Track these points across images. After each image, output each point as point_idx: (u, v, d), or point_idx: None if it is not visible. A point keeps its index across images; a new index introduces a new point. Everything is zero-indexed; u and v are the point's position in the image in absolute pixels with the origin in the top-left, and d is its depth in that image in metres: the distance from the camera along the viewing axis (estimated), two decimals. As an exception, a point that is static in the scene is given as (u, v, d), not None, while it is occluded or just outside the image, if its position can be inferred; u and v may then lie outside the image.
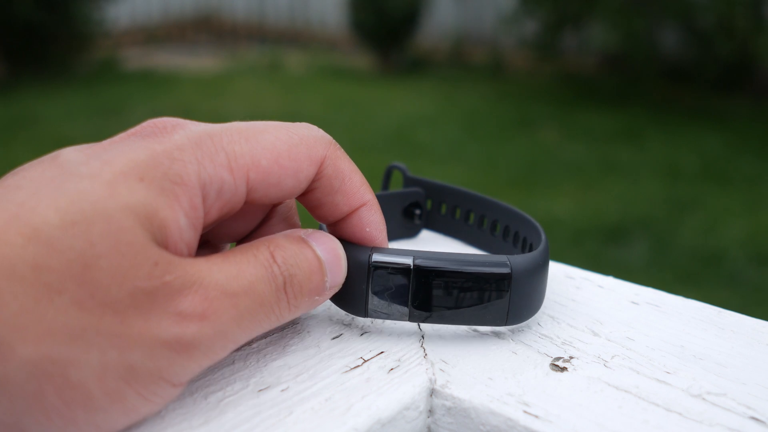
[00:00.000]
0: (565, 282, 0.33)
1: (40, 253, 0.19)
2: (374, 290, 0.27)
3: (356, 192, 0.27)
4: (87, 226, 0.19)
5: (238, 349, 0.27)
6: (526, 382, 0.25)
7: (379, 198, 0.36)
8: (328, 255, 0.26)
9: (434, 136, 3.06)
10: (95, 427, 0.20)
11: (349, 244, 0.27)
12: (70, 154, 0.22)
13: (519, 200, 2.26)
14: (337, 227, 0.28)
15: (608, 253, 2.00)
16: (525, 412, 0.23)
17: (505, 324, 0.28)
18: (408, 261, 0.27)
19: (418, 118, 3.36)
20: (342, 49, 5.02)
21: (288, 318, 0.24)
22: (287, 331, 0.28)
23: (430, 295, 0.27)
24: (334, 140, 0.27)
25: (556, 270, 0.34)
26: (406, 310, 0.27)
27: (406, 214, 0.38)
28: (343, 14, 4.78)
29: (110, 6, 4.49)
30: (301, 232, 0.26)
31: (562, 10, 3.86)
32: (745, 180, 2.58)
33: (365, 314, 0.27)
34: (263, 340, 0.27)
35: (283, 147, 0.24)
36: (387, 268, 0.27)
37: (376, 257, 0.27)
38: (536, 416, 0.23)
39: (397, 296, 0.27)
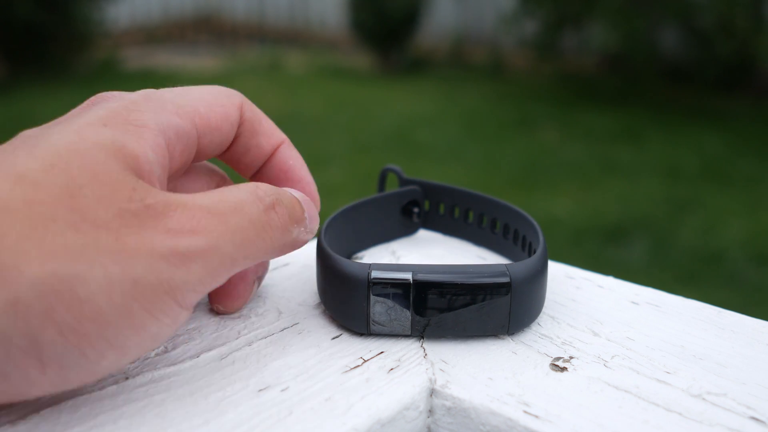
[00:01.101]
0: (565, 282, 0.33)
1: (28, 191, 0.20)
2: (375, 306, 0.27)
3: (274, 131, 0.30)
4: (65, 165, 0.21)
5: (238, 349, 0.27)
6: (526, 382, 0.25)
7: (377, 199, 0.36)
8: (301, 196, 0.27)
9: (434, 136, 3.06)
10: (107, 343, 0.20)
11: (346, 260, 0.28)
12: (29, 131, 0.24)
13: (519, 200, 2.26)
14: (262, 172, 0.30)
15: (608, 253, 2.00)
16: (525, 412, 0.23)
17: (507, 332, 0.28)
18: (407, 276, 0.27)
19: (417, 118, 3.36)
20: (342, 49, 5.02)
21: (282, 241, 0.25)
22: (287, 331, 0.28)
23: (431, 309, 0.27)
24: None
25: (556, 270, 0.34)
26: (408, 324, 0.27)
27: (404, 213, 0.38)
28: (343, 14, 4.78)
29: (110, 6, 4.49)
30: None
31: (562, 10, 3.86)
32: (745, 180, 2.58)
33: (368, 331, 0.28)
34: (263, 341, 0.27)
35: (210, 97, 0.27)
36: (386, 283, 0.27)
37: (376, 273, 0.27)
38: (536, 416, 0.23)
39: (398, 311, 0.27)
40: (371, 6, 4.35)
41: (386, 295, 0.27)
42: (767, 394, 0.24)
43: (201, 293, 0.22)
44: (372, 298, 0.27)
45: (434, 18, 4.76)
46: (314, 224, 0.28)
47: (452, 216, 0.38)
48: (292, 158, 0.31)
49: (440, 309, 0.27)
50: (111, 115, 0.23)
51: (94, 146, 0.22)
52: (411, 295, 0.27)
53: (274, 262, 0.35)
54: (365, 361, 0.26)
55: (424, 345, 0.28)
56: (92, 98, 0.26)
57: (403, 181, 0.38)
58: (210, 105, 0.27)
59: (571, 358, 0.27)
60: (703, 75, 3.57)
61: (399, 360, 0.26)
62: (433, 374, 0.26)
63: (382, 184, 0.39)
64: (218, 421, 0.22)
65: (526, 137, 3.07)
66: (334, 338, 0.28)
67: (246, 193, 0.24)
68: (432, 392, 0.25)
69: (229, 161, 0.30)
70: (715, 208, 2.31)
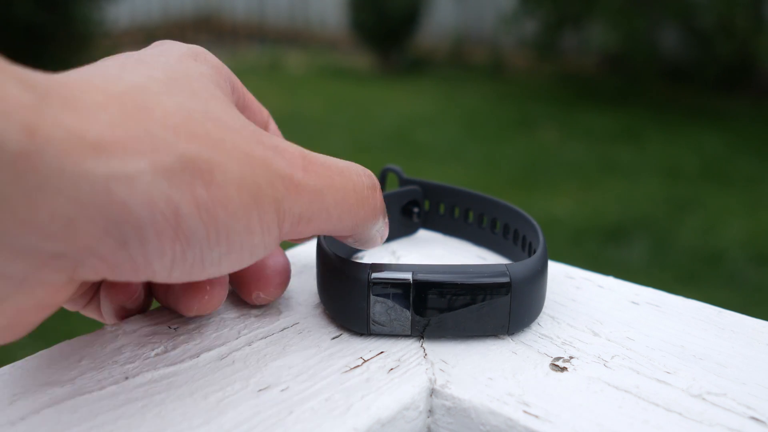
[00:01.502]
0: (565, 282, 0.33)
1: (161, 86, 0.22)
2: (375, 306, 0.27)
3: (260, 106, 0.31)
4: (186, 83, 0.23)
5: (237, 349, 0.27)
6: (526, 382, 0.25)
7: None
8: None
9: (434, 136, 3.06)
10: (225, 234, 0.22)
11: (347, 261, 0.28)
12: (118, 55, 0.25)
13: (519, 200, 2.26)
14: None
15: (608, 253, 2.00)
16: (525, 412, 0.23)
17: (507, 333, 0.28)
18: (407, 276, 0.27)
19: (418, 118, 3.36)
20: (342, 49, 5.02)
21: (370, 226, 0.27)
22: (287, 330, 0.28)
23: (431, 309, 0.27)
24: None
25: (556, 270, 0.34)
26: (408, 324, 0.27)
27: (404, 213, 0.38)
28: (343, 14, 4.78)
29: (110, 6, 4.49)
30: None
31: (562, 10, 3.86)
32: (745, 180, 2.58)
33: (368, 331, 0.28)
34: (263, 341, 0.27)
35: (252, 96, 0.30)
36: (386, 284, 0.27)
37: (376, 274, 0.27)
38: (536, 416, 0.23)
39: (398, 311, 0.27)
40: (371, 6, 4.35)
41: (386, 296, 0.27)
42: (767, 394, 0.24)
43: (294, 229, 0.24)
44: (372, 298, 0.27)
45: (434, 18, 4.76)
46: (386, 219, 0.29)
47: (452, 216, 0.38)
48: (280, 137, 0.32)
49: (440, 309, 0.27)
50: (193, 53, 0.25)
51: (200, 75, 0.24)
52: (411, 295, 0.27)
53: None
54: (365, 361, 0.26)
55: (424, 345, 0.28)
56: (156, 43, 0.27)
57: (403, 181, 0.38)
58: (251, 96, 0.29)
59: (571, 358, 0.27)
60: (703, 75, 3.57)
61: (399, 360, 0.26)
62: (433, 374, 0.26)
63: (382, 184, 0.39)
64: (218, 421, 0.22)
65: (526, 137, 3.07)
66: (334, 338, 0.28)
67: (354, 165, 0.26)
68: (432, 392, 0.25)
69: None
70: (715, 208, 2.31)
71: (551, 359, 0.27)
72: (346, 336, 0.28)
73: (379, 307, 0.27)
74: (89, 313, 0.28)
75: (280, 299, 0.31)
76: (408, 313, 0.27)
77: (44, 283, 0.20)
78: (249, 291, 0.29)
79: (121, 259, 0.20)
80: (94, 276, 0.21)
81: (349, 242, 0.28)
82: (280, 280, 0.29)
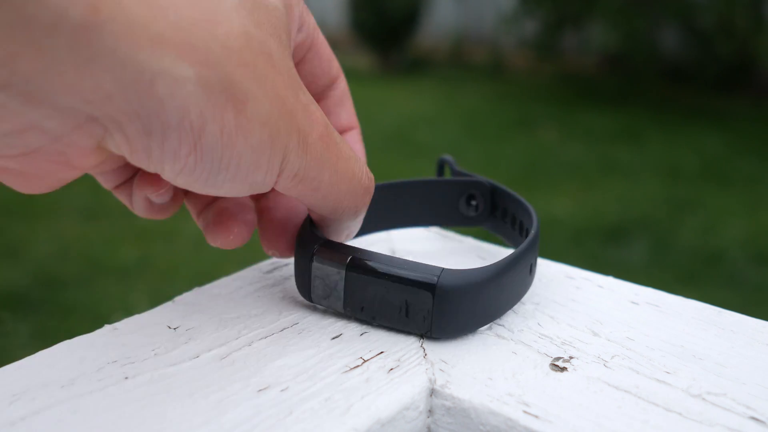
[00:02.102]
0: (565, 282, 0.33)
1: (234, 8, 0.22)
2: (315, 280, 0.28)
3: (353, 115, 0.33)
4: (257, 12, 0.23)
5: (237, 349, 0.27)
6: (526, 382, 0.25)
7: (440, 183, 0.37)
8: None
9: (434, 136, 3.06)
10: (236, 162, 0.23)
11: (309, 231, 0.29)
12: None
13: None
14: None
15: (608, 253, 2.00)
16: (525, 412, 0.23)
17: (431, 335, 0.27)
18: (345, 257, 0.28)
19: (418, 118, 3.36)
20: (342, 49, 5.01)
21: (354, 223, 0.29)
22: (287, 330, 0.28)
23: (361, 293, 0.28)
24: None
25: (556, 270, 0.34)
26: (341, 303, 0.28)
27: (467, 203, 0.38)
28: (343, 14, 4.78)
29: None
30: None
31: (562, 10, 3.86)
32: (745, 180, 2.57)
33: (311, 299, 0.29)
34: (263, 341, 0.27)
35: (329, 48, 0.31)
36: (324, 260, 0.28)
37: (320, 251, 0.28)
38: (536, 416, 0.23)
39: (333, 289, 0.28)
40: (371, 6, 4.35)
41: (324, 272, 0.28)
42: (767, 394, 0.24)
43: (286, 183, 0.25)
44: (313, 271, 0.28)
45: (434, 18, 4.76)
46: (354, 232, 0.31)
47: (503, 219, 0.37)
48: (356, 148, 0.33)
49: (368, 296, 0.27)
50: None
51: (275, 10, 0.24)
52: (344, 276, 0.28)
53: (274, 262, 0.35)
54: (365, 361, 0.26)
55: (424, 345, 0.28)
56: None
57: (455, 173, 0.39)
58: (326, 42, 0.30)
59: (571, 358, 0.27)
60: (703, 75, 3.57)
61: (399, 360, 0.26)
62: (433, 374, 0.26)
63: (440, 173, 0.39)
64: (218, 421, 0.22)
65: (526, 137, 3.07)
66: (333, 338, 0.28)
67: (362, 163, 0.28)
68: (432, 392, 0.25)
69: None
70: (715, 208, 2.31)
71: (551, 359, 0.27)
72: (346, 336, 0.28)
73: (318, 282, 0.28)
74: (120, 195, 0.29)
75: (279, 300, 0.31)
76: (341, 293, 0.28)
77: (75, 144, 0.22)
78: (266, 248, 0.31)
79: (141, 145, 0.22)
80: (116, 150, 0.22)
81: (320, 225, 0.29)
82: (289, 234, 0.31)
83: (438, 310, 0.27)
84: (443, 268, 0.27)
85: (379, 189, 0.34)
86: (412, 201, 0.36)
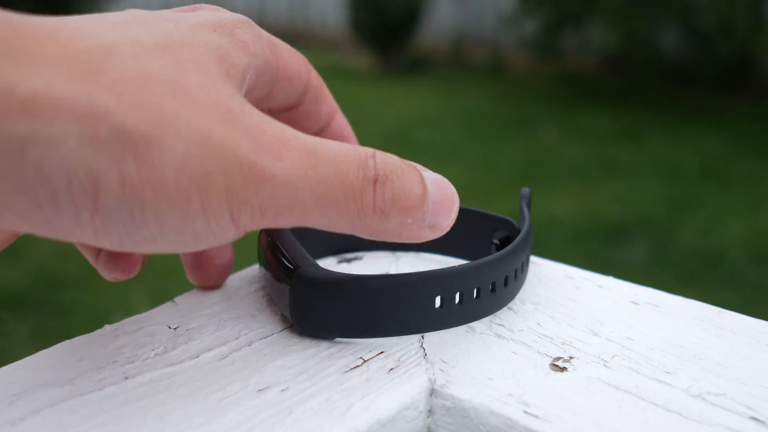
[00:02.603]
0: (565, 282, 0.33)
1: (137, 49, 0.21)
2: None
3: (332, 101, 0.31)
4: (177, 50, 0.21)
5: (237, 349, 0.27)
6: (526, 382, 0.25)
7: (472, 214, 0.34)
8: (436, 189, 0.24)
9: (434, 136, 3.06)
10: (154, 216, 0.20)
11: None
12: (139, 10, 0.24)
13: (519, 201, 2.26)
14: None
15: (608, 253, 2.00)
16: (525, 412, 0.23)
17: (294, 325, 0.28)
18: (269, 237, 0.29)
19: (418, 118, 3.36)
20: (342, 49, 5.02)
21: (374, 224, 0.23)
22: (287, 330, 0.28)
23: (265, 266, 0.30)
24: None
25: (556, 270, 0.34)
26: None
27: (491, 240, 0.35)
28: (343, 14, 4.78)
29: (110, 6, 4.49)
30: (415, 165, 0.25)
31: (562, 10, 3.86)
32: (745, 180, 2.57)
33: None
34: (263, 341, 0.27)
35: (292, 51, 0.29)
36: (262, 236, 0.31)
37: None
38: (536, 416, 0.23)
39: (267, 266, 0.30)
40: (371, 6, 4.35)
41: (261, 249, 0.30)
42: (767, 394, 0.24)
43: (257, 223, 0.22)
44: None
45: (434, 18, 4.75)
46: (440, 219, 0.24)
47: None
48: (346, 129, 0.32)
49: (270, 272, 0.29)
50: (220, 23, 0.24)
51: (204, 45, 0.23)
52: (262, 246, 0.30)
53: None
54: (365, 361, 0.26)
55: (424, 345, 0.28)
56: (193, 5, 0.27)
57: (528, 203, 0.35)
58: (291, 56, 0.28)
59: (571, 358, 0.27)
60: (703, 75, 3.57)
61: (399, 360, 0.26)
62: (433, 374, 0.26)
63: (529, 206, 0.35)
64: (218, 421, 0.22)
65: (526, 137, 3.07)
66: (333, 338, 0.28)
67: (355, 152, 0.23)
68: (432, 392, 0.25)
69: (286, 122, 0.31)
70: (715, 208, 2.31)
71: (551, 359, 0.27)
72: (346, 336, 0.28)
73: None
74: (83, 250, 0.28)
75: (280, 299, 0.31)
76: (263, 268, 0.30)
77: None
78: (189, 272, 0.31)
79: (38, 219, 0.20)
80: (16, 228, 0.20)
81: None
82: (214, 271, 0.31)
83: (295, 299, 0.27)
84: (317, 262, 0.27)
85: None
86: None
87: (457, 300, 0.28)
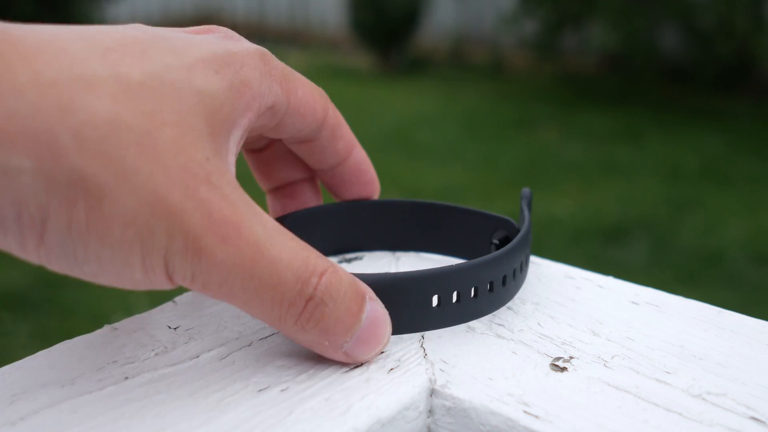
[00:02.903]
0: (565, 282, 0.33)
1: (117, 91, 0.20)
2: None
3: (351, 137, 0.31)
4: (161, 96, 0.21)
5: (237, 349, 0.27)
6: (526, 382, 0.25)
7: (472, 214, 0.34)
8: (369, 325, 0.25)
9: (434, 136, 3.06)
10: (96, 258, 0.21)
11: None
12: (147, 27, 0.24)
13: (518, 200, 2.26)
14: (335, 172, 0.32)
15: (608, 253, 2.00)
16: (525, 412, 0.23)
17: None
18: None
19: (418, 118, 3.35)
20: (342, 49, 5.01)
21: (289, 328, 0.24)
22: (287, 331, 0.28)
23: None
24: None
25: (556, 270, 0.34)
26: None
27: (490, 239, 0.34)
28: (343, 14, 4.78)
29: (110, 6, 4.49)
30: (368, 291, 0.25)
31: (562, 10, 3.86)
32: (745, 180, 2.57)
33: None
34: (263, 341, 0.27)
35: (309, 86, 0.28)
36: None
37: None
38: (536, 416, 0.23)
39: None
40: (371, 6, 4.35)
41: None
42: (767, 394, 0.24)
43: (188, 285, 0.22)
44: None
45: (434, 18, 4.75)
46: (358, 352, 0.25)
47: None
48: (363, 163, 0.32)
49: None
50: (227, 62, 0.24)
51: (196, 96, 0.22)
52: None
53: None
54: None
55: (424, 345, 0.28)
56: (213, 27, 0.26)
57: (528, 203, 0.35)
58: (306, 92, 0.28)
59: (571, 358, 0.27)
60: (703, 75, 3.57)
61: (399, 360, 0.26)
62: (433, 374, 0.26)
63: (530, 203, 0.35)
64: (218, 421, 0.22)
65: (526, 137, 3.06)
66: (334, 338, 0.28)
67: (302, 263, 0.23)
68: (432, 392, 0.25)
69: (303, 154, 0.31)
70: (715, 208, 2.30)
71: (551, 359, 0.27)
72: (346, 336, 0.28)
73: None
74: None
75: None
76: None
77: None
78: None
79: None
80: None
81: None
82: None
83: None
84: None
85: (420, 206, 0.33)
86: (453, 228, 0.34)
87: (454, 299, 0.28)
